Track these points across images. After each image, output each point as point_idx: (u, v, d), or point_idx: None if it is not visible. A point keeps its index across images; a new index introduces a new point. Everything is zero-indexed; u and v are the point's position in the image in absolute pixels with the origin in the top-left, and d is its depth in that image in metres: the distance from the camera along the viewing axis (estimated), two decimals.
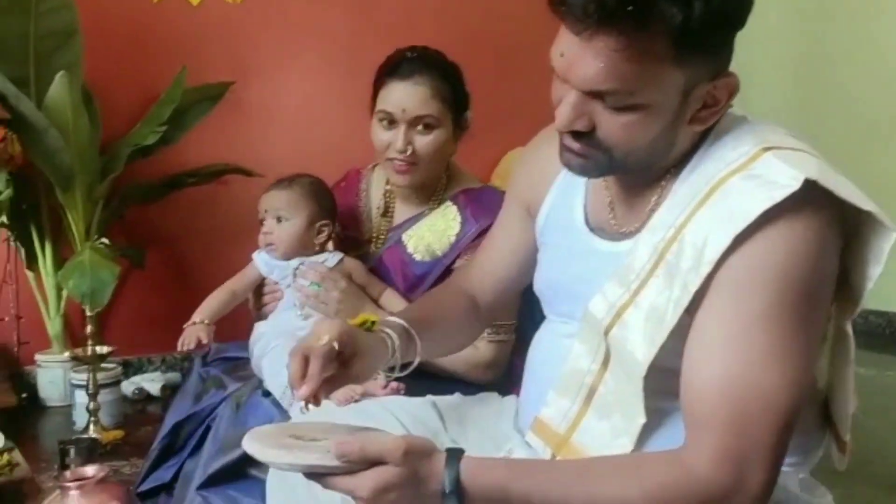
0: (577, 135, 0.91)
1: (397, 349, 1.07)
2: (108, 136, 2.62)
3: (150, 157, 2.67)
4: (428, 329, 1.15)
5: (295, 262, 1.60)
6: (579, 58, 0.85)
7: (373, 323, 1.20)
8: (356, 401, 1.27)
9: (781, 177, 0.84)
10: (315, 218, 1.61)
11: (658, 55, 0.83)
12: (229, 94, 2.81)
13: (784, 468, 0.95)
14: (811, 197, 0.83)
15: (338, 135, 2.97)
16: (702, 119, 0.91)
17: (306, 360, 0.95)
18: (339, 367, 0.97)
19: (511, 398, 1.30)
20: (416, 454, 0.85)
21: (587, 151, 0.92)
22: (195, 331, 1.57)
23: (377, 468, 0.84)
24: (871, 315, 3.74)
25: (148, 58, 2.79)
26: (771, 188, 0.83)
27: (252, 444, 0.87)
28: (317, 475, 0.86)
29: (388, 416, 1.21)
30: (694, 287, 0.86)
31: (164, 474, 1.60)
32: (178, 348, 1.57)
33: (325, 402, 1.28)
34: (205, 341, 1.56)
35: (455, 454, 0.87)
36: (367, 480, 0.83)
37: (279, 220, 1.60)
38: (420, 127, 1.51)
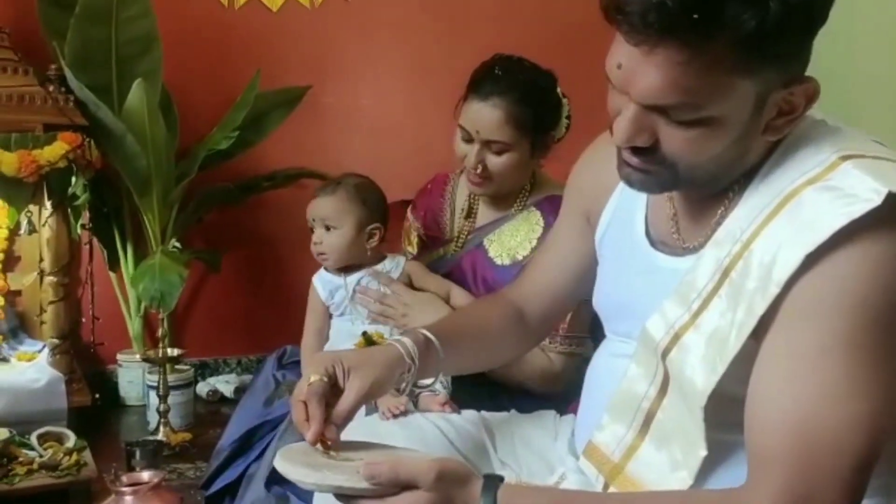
0: (637, 150, 0.84)
1: (414, 356, 1.03)
2: (188, 140, 2.67)
3: (229, 162, 2.71)
4: (457, 338, 1.12)
5: (354, 277, 1.57)
6: (639, 70, 0.78)
7: (371, 339, 1.18)
8: (403, 413, 1.26)
9: (861, 189, 0.75)
10: (364, 222, 1.56)
11: (727, 66, 0.75)
12: (308, 98, 2.82)
13: None
14: (892, 211, 0.74)
15: (415, 140, 2.95)
16: (776, 128, 0.82)
17: (305, 405, 0.93)
18: (343, 393, 0.96)
19: (569, 418, 1.26)
20: (449, 479, 0.82)
21: (649, 167, 0.85)
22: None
23: (408, 493, 0.81)
24: None
25: (227, 63, 2.83)
26: (849, 202, 0.75)
27: (281, 462, 0.85)
28: (346, 496, 0.83)
29: (435, 431, 1.20)
30: (760, 310, 0.78)
31: (231, 473, 1.61)
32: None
33: (372, 416, 1.28)
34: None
35: (493, 480, 0.83)
36: None
37: (327, 228, 1.56)
38: (493, 147, 1.53)
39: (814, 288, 0.76)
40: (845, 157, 0.79)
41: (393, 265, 1.60)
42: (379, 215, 1.60)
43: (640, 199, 1.01)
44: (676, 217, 0.95)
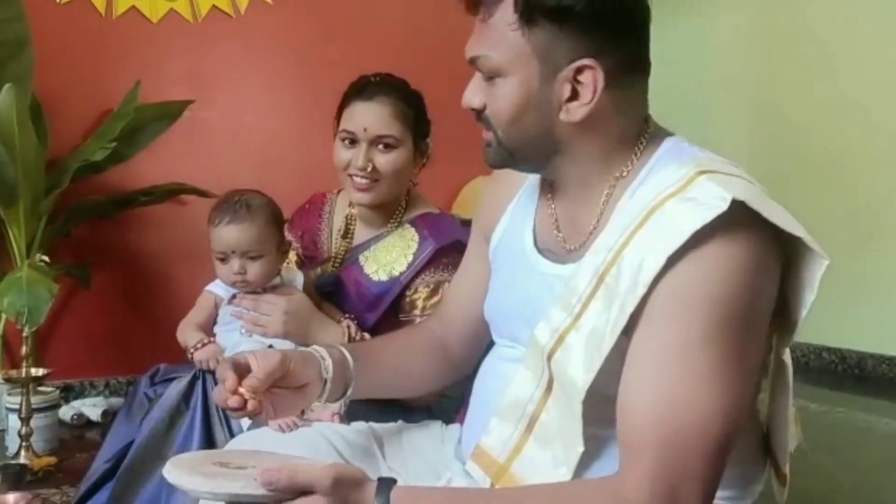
0: (478, 117, 0.98)
1: (329, 369, 1.06)
2: (60, 151, 2.56)
3: (103, 175, 2.62)
4: (373, 359, 1.15)
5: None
6: (473, 33, 0.96)
7: None
8: (296, 426, 1.25)
9: (711, 198, 0.84)
10: (281, 243, 1.56)
11: (505, 19, 0.91)
12: (189, 113, 2.77)
13: (721, 501, 0.95)
14: (742, 219, 0.83)
15: (297, 156, 2.95)
16: (570, 112, 0.92)
17: (238, 369, 0.96)
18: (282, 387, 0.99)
19: (455, 426, 1.28)
20: (345, 483, 0.83)
21: (487, 137, 0.98)
22: (209, 351, 1.47)
23: (305, 498, 0.81)
24: (823, 352, 3.78)
25: (103, 73, 2.74)
26: (702, 209, 0.83)
27: (173, 472, 0.84)
28: None
29: (324, 442, 1.19)
30: (630, 309, 0.85)
31: (101, 497, 1.54)
32: (199, 365, 1.48)
33: (260, 429, 1.27)
34: (215, 352, 1.48)
35: (386, 483, 0.85)
36: None
37: (251, 258, 1.49)
38: (381, 146, 1.55)
39: (674, 287, 0.83)
40: (702, 172, 0.88)
41: (293, 277, 1.58)
42: (283, 229, 1.60)
43: (530, 212, 1.07)
44: (558, 224, 1.03)
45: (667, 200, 0.87)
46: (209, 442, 1.45)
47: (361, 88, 1.58)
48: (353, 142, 1.56)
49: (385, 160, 1.56)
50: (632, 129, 0.96)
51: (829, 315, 3.62)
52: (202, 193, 2.69)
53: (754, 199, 0.84)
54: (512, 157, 0.98)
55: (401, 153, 1.57)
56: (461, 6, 0.96)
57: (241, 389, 0.94)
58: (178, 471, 0.83)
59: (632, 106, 0.96)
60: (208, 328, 1.55)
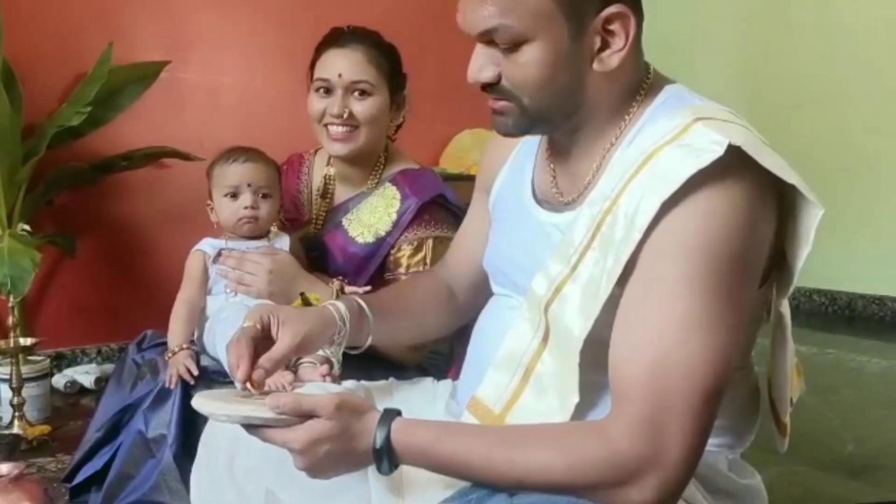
0: (491, 89, 0.93)
1: (346, 319, 1.10)
2: (36, 117, 2.50)
3: (81, 140, 2.56)
4: (388, 310, 1.19)
5: (252, 244, 1.54)
6: (466, 5, 0.90)
7: (308, 301, 1.21)
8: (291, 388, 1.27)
9: (706, 143, 0.82)
10: (281, 195, 1.59)
11: None
12: (166, 74, 2.71)
13: (713, 448, 0.96)
14: (737, 164, 0.82)
15: (277, 115, 2.90)
16: (604, 61, 0.90)
17: (252, 345, 0.99)
18: (275, 343, 1.02)
19: (446, 382, 1.28)
20: (348, 410, 0.87)
21: (503, 107, 0.93)
22: (180, 360, 1.44)
23: (310, 421, 0.86)
24: (814, 294, 3.81)
25: (76, 36, 2.67)
26: (697, 154, 0.82)
27: (198, 400, 0.91)
28: (254, 429, 0.88)
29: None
30: (625, 256, 0.84)
31: (96, 463, 1.55)
32: (168, 385, 1.42)
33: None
34: (195, 371, 1.42)
35: (389, 414, 0.88)
36: (300, 433, 0.85)
37: (263, 196, 1.52)
38: (356, 93, 1.53)
39: (668, 232, 0.83)
40: (698, 119, 0.87)
41: (280, 239, 1.57)
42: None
43: (529, 162, 1.07)
44: (555, 175, 1.02)
45: (662, 148, 0.86)
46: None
47: (335, 38, 1.56)
48: (328, 90, 1.54)
49: (362, 107, 1.54)
50: (638, 76, 0.95)
51: (819, 257, 3.63)
52: (183, 156, 2.65)
53: (750, 145, 0.82)
54: (534, 122, 0.95)
55: (376, 100, 1.55)
56: None
57: (254, 376, 0.97)
58: (201, 398, 0.91)
59: (640, 49, 0.95)
60: (201, 296, 1.53)
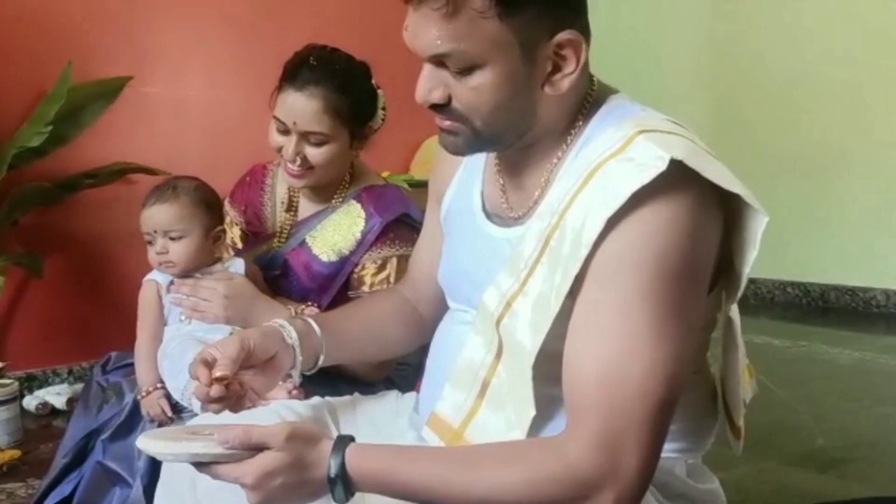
0: (440, 109, 0.92)
1: (295, 344, 1.08)
2: None
3: (45, 159, 2.54)
4: (342, 329, 1.17)
5: (207, 269, 1.52)
6: (415, 26, 0.88)
7: None
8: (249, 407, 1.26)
9: (649, 158, 0.83)
10: (209, 227, 1.51)
11: (475, 8, 0.85)
12: (129, 90, 2.69)
13: (671, 454, 0.97)
14: (680, 178, 0.82)
15: (243, 129, 2.88)
16: (555, 85, 0.91)
17: (207, 365, 0.99)
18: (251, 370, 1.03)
19: (410, 395, 1.28)
20: (300, 439, 0.86)
21: (453, 126, 0.93)
22: (153, 401, 1.43)
23: (261, 455, 0.84)
24: (788, 286, 3.85)
25: (37, 54, 2.64)
26: (641, 169, 0.82)
27: (143, 440, 0.89)
28: (205, 465, 0.86)
29: (275, 417, 1.20)
30: (573, 271, 0.85)
31: (64, 488, 1.53)
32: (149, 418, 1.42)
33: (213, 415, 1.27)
34: (168, 412, 1.42)
35: (343, 440, 0.87)
36: (251, 467, 0.83)
37: (172, 238, 1.48)
38: (311, 139, 1.50)
39: (614, 248, 0.83)
40: (641, 132, 0.87)
41: (234, 264, 1.55)
42: (219, 217, 1.56)
43: (478, 175, 1.07)
44: (505, 188, 1.02)
45: (607, 161, 0.87)
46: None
47: (295, 73, 1.50)
48: (285, 130, 1.51)
49: (316, 153, 1.51)
50: (584, 90, 0.96)
51: (791, 249, 3.70)
52: (149, 171, 2.63)
53: (692, 158, 0.83)
54: (485, 143, 0.95)
55: (331, 147, 1.51)
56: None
57: (217, 375, 0.97)
58: (147, 439, 0.88)
59: (587, 66, 0.95)
60: (158, 323, 1.51)
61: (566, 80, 0.90)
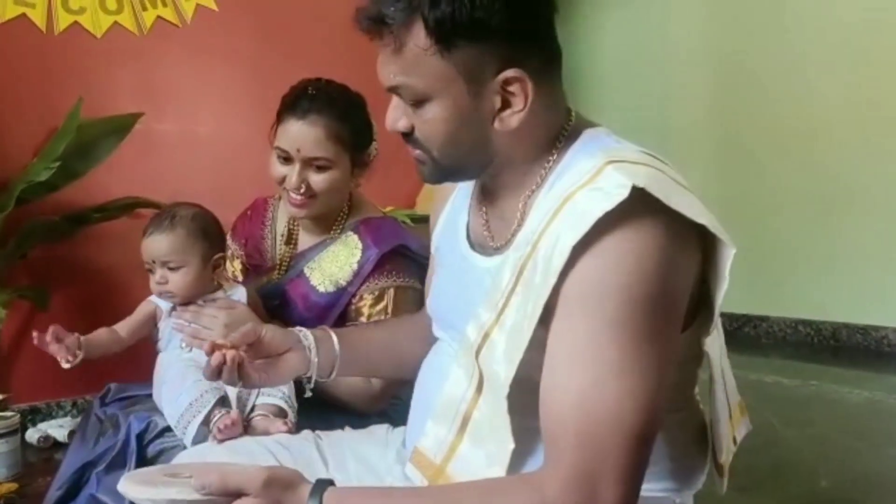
0: (407, 139, 0.97)
1: (311, 346, 1.14)
2: (10, 172, 2.52)
3: (56, 194, 2.58)
4: (359, 336, 1.23)
5: (209, 296, 1.53)
6: (379, 60, 0.93)
7: None
8: (238, 436, 1.28)
9: (612, 186, 0.84)
10: (208, 255, 1.52)
11: (419, 45, 0.89)
12: (141, 126, 2.74)
13: (659, 494, 0.96)
14: (645, 206, 0.83)
15: (252, 163, 2.88)
16: (504, 121, 0.92)
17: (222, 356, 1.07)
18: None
19: (401, 429, 1.28)
20: (278, 484, 0.85)
21: (420, 156, 0.97)
22: (57, 333, 1.44)
23: (238, 501, 0.84)
24: (798, 324, 3.80)
25: (49, 91, 2.70)
26: (605, 197, 0.83)
27: (123, 483, 0.91)
28: None
29: (264, 452, 1.20)
30: (542, 300, 0.85)
31: None
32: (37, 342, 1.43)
33: (203, 444, 1.27)
34: (63, 354, 1.43)
35: (321, 485, 0.87)
36: None
37: (171, 268, 1.49)
38: (314, 166, 1.52)
39: (581, 278, 0.83)
40: (610, 162, 0.88)
41: (235, 291, 1.56)
42: (219, 243, 1.56)
43: (464, 206, 1.08)
44: (487, 219, 1.03)
45: (577, 191, 0.87)
46: None
47: (295, 103, 1.53)
48: (287, 159, 1.53)
49: (319, 179, 1.53)
50: (556, 124, 0.97)
51: (802, 288, 3.67)
52: (158, 206, 2.66)
53: (655, 186, 0.83)
54: (447, 173, 0.98)
55: (334, 173, 1.54)
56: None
57: (219, 342, 1.06)
58: (126, 482, 0.90)
59: (556, 100, 0.96)
60: (133, 335, 1.53)
61: (514, 118, 0.92)
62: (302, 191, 1.53)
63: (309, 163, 1.52)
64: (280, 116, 1.55)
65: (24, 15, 2.66)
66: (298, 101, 1.52)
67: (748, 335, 3.76)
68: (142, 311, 1.54)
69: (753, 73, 3.82)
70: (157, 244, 1.49)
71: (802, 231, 3.66)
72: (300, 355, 1.14)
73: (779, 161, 3.74)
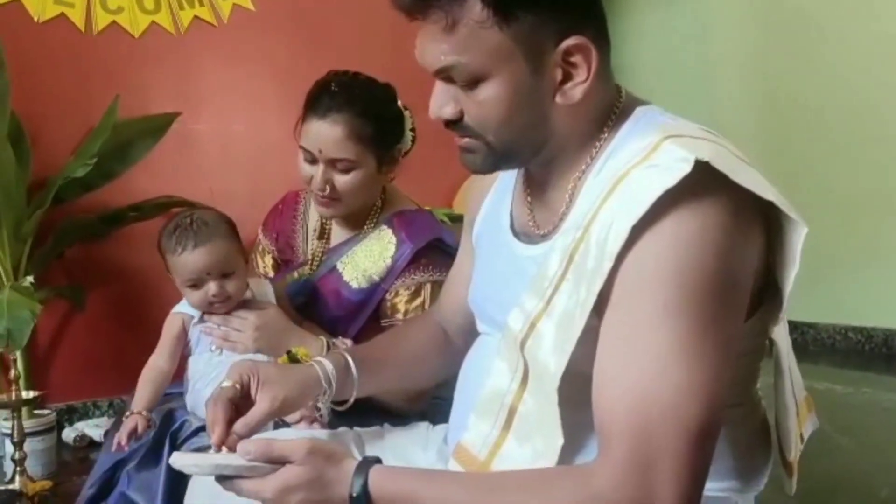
0: (455, 126, 0.91)
1: (332, 379, 1.09)
2: (47, 171, 2.53)
3: (92, 193, 2.58)
4: (376, 361, 1.17)
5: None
6: (422, 43, 0.88)
7: (295, 357, 1.23)
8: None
9: (672, 160, 0.77)
10: (246, 257, 1.51)
11: (475, 19, 0.83)
12: (177, 126, 2.73)
13: (720, 493, 0.90)
14: (708, 182, 0.76)
15: (288, 164, 2.87)
16: (567, 94, 0.87)
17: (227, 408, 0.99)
18: (255, 402, 1.01)
19: (442, 427, 1.24)
20: (322, 455, 0.85)
21: (469, 144, 0.91)
22: (132, 421, 1.37)
23: (282, 469, 0.85)
24: (849, 331, 3.67)
25: (88, 90, 2.71)
26: (665, 173, 0.77)
27: (175, 455, 0.91)
28: (228, 480, 0.87)
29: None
30: (597, 287, 0.79)
31: None
32: (116, 448, 1.38)
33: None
34: (140, 431, 1.37)
35: (368, 461, 0.86)
36: (272, 481, 0.84)
37: (225, 276, 1.43)
38: (338, 167, 1.48)
39: (640, 259, 0.78)
40: (667, 137, 0.82)
41: (264, 289, 1.53)
42: (239, 237, 1.53)
43: (507, 195, 1.04)
44: (532, 207, 0.98)
45: (632, 170, 0.81)
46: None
47: (317, 100, 1.48)
48: (313, 160, 1.49)
49: (343, 180, 1.49)
50: (607, 102, 0.91)
51: (852, 292, 3.55)
52: (192, 205, 2.65)
53: (721, 161, 0.77)
54: (502, 159, 0.93)
55: (359, 173, 1.49)
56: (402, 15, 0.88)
57: (227, 444, 0.95)
58: (178, 455, 0.91)
59: (608, 75, 0.91)
60: (171, 363, 1.48)
61: (578, 89, 0.86)
62: (326, 192, 1.49)
63: (332, 163, 1.48)
64: (304, 114, 1.51)
65: (63, 14, 2.67)
66: (320, 98, 1.48)
67: (795, 342, 3.58)
68: (172, 329, 1.50)
69: (796, 75, 3.72)
70: (209, 255, 1.41)
71: (852, 234, 3.55)
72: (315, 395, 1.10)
73: (827, 163, 3.64)
